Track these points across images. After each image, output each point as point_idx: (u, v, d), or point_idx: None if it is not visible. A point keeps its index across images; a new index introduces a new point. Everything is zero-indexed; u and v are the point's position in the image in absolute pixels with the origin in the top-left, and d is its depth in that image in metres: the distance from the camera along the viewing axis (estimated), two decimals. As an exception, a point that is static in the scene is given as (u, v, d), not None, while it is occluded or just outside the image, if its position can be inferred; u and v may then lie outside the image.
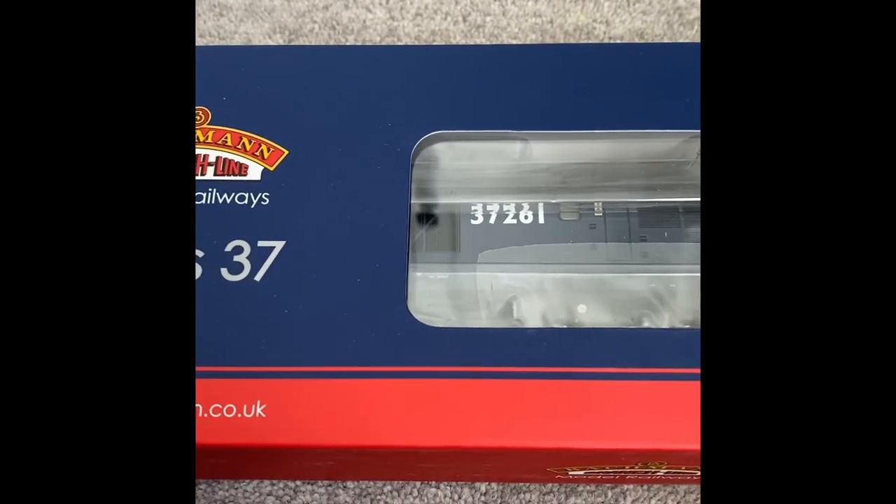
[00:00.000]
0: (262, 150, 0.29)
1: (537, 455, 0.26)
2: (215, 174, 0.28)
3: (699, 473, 0.28)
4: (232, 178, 0.28)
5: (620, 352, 0.26)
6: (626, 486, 0.32)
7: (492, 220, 0.32)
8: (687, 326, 0.30)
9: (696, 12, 0.42)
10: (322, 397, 0.25)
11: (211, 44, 0.42)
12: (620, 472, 0.29)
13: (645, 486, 0.32)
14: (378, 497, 0.32)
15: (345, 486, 0.33)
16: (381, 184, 0.28)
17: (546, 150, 0.32)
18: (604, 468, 0.28)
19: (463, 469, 0.30)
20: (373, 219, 0.28)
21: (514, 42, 0.42)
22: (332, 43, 0.42)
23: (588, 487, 0.32)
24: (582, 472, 0.29)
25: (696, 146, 0.31)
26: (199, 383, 0.25)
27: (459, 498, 0.32)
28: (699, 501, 0.32)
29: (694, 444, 0.25)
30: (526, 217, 0.32)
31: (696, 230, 0.32)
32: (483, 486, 0.33)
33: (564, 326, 0.30)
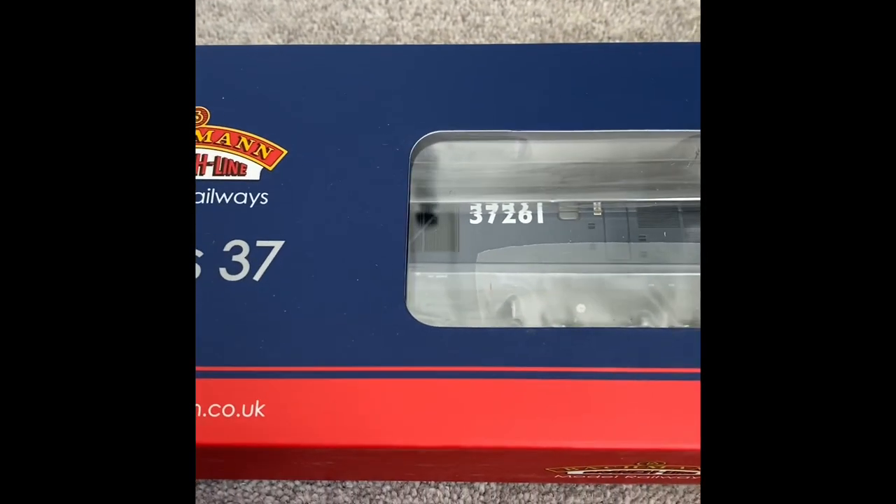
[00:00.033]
0: (261, 150, 0.29)
1: (536, 455, 0.26)
2: (214, 174, 0.28)
3: (698, 473, 0.28)
4: (231, 177, 0.28)
5: (619, 351, 0.26)
6: (625, 486, 0.32)
7: (491, 220, 0.32)
8: (686, 326, 0.30)
9: (695, 12, 0.42)
10: (321, 397, 0.25)
11: (210, 43, 0.42)
12: (619, 471, 0.29)
13: (644, 486, 0.32)
14: (377, 497, 0.32)
15: (344, 486, 0.33)
16: (380, 183, 0.28)
17: (545, 150, 0.32)
18: (603, 468, 0.28)
19: (462, 469, 0.30)
20: (372, 218, 0.28)
21: (514, 42, 0.42)
22: (331, 43, 0.42)
23: (587, 487, 0.32)
24: (581, 472, 0.29)
25: (694, 146, 0.31)
26: (198, 383, 0.25)
27: (458, 498, 0.32)
28: (698, 501, 0.32)
29: (693, 443, 0.25)
30: (525, 217, 0.32)
31: (695, 230, 0.32)
32: (482, 486, 0.33)
33: (563, 326, 0.30)
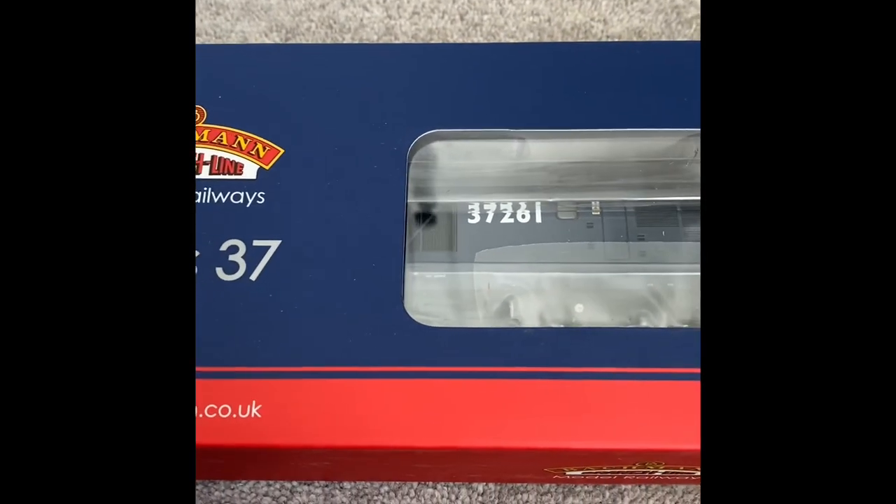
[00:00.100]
0: (257, 149, 0.29)
1: (534, 455, 0.26)
2: (210, 173, 0.28)
3: (697, 473, 0.28)
4: (227, 177, 0.28)
5: (618, 351, 0.25)
6: (623, 487, 0.32)
7: (489, 220, 0.32)
8: (685, 326, 0.30)
9: (693, 11, 0.42)
10: (318, 397, 0.25)
11: (207, 42, 0.42)
12: (618, 472, 0.29)
13: (643, 487, 0.32)
14: (375, 497, 0.32)
15: (341, 487, 0.33)
16: (377, 183, 0.28)
17: (543, 149, 0.32)
18: (601, 468, 0.28)
19: (460, 469, 0.30)
20: (369, 218, 0.28)
21: (512, 41, 0.42)
22: (328, 41, 0.42)
23: (586, 488, 0.32)
24: (579, 473, 0.29)
25: (693, 145, 0.31)
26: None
27: (457, 498, 0.32)
28: (697, 501, 0.32)
29: (692, 443, 0.24)
30: (523, 216, 0.32)
31: (693, 229, 0.31)
32: (480, 487, 0.32)
33: (562, 326, 0.30)
